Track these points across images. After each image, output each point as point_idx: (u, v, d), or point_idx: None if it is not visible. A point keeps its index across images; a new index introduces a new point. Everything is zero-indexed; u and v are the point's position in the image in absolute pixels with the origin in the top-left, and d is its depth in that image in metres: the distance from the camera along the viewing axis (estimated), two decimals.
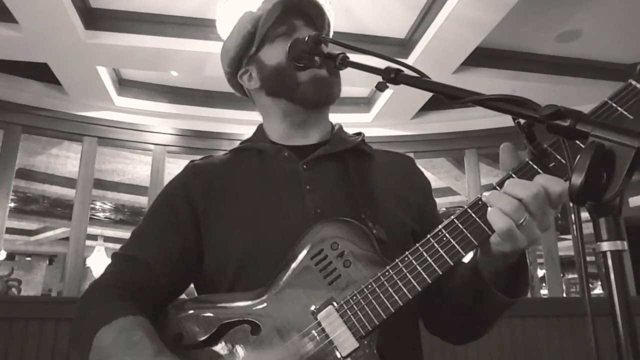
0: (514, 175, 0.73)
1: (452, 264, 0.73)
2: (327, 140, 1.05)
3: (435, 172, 5.80)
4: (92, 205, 6.65)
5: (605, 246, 0.52)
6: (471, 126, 4.48)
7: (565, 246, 6.90)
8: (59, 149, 5.42)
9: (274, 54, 1.02)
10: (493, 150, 4.77)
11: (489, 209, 0.70)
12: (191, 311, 0.85)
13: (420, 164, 5.29)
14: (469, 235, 0.73)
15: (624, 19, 3.43)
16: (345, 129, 1.11)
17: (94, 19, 3.37)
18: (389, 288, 0.75)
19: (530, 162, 0.73)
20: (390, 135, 4.59)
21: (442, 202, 7.38)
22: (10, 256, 10.71)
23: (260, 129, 1.11)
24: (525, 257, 0.79)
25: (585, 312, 0.54)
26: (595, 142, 0.52)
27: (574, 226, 0.56)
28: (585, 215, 0.55)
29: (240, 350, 0.79)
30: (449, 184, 6.25)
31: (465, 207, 0.75)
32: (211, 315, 0.83)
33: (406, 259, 0.76)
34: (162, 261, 0.93)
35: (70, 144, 4.93)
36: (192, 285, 1.02)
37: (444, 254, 0.74)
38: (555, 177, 0.70)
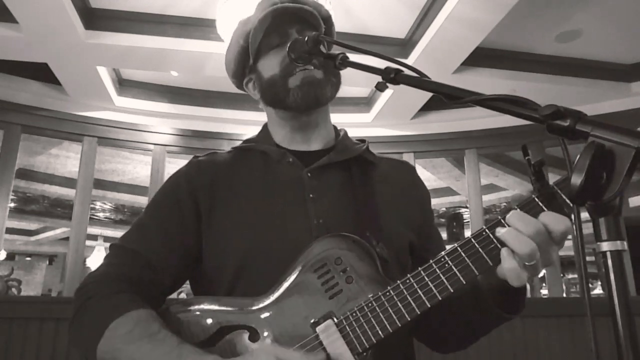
0: (516, 208, 0.74)
1: (452, 290, 0.75)
2: (332, 147, 1.05)
3: (435, 172, 5.80)
4: (92, 205, 6.64)
5: (605, 246, 0.52)
6: (471, 126, 4.48)
7: (565, 246, 6.88)
8: (59, 149, 5.42)
9: (268, 66, 1.02)
10: (493, 150, 4.77)
11: (504, 249, 0.72)
12: (193, 311, 0.85)
13: (420, 164, 5.29)
14: (470, 264, 0.74)
15: (624, 19, 3.43)
16: (348, 130, 1.11)
17: (94, 19, 3.37)
18: (389, 308, 0.76)
19: (536, 199, 0.74)
20: (390, 135, 4.59)
21: (442, 202, 7.37)
22: (10, 256, 10.71)
23: (265, 129, 1.11)
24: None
25: (585, 312, 0.54)
26: (595, 142, 0.52)
27: (574, 226, 0.56)
28: (585, 215, 0.55)
29: (237, 355, 0.79)
30: (449, 184, 6.24)
31: (470, 236, 0.76)
32: (212, 317, 0.83)
33: (407, 281, 0.77)
34: (163, 257, 0.91)
35: (70, 144, 4.93)
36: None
37: (445, 280, 0.75)
38: (559, 215, 0.71)
